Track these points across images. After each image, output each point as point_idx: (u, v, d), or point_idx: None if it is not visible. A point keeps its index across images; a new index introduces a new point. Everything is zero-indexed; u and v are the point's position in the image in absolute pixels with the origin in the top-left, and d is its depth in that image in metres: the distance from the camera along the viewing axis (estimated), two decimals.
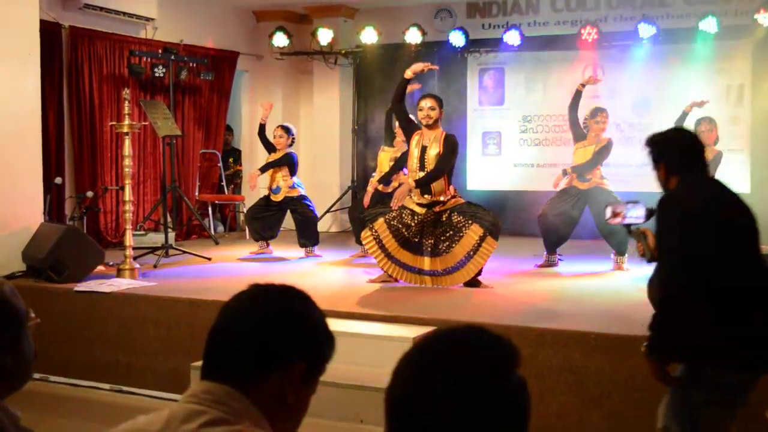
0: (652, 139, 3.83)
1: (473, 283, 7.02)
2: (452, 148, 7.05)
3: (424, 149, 7.06)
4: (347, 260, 9.00)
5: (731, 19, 10.06)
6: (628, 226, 4.00)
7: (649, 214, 3.86)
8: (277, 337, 1.78)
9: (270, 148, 9.33)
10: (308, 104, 12.54)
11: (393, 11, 11.70)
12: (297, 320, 1.82)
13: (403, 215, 7.05)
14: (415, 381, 1.48)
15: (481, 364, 1.47)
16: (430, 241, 7.02)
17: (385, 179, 8.62)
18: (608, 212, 4.12)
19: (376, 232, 7.06)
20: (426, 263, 7.04)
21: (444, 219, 7.00)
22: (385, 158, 8.83)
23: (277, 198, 9.16)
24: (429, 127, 7.09)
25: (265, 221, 9.20)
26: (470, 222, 6.89)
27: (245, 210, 10.25)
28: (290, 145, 9.28)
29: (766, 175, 9.95)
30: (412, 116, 7.52)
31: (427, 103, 7.09)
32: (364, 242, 7.29)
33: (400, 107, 7.39)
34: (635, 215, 3.95)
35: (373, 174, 9.09)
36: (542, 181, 9.91)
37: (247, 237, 10.14)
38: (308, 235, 9.16)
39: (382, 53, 11.44)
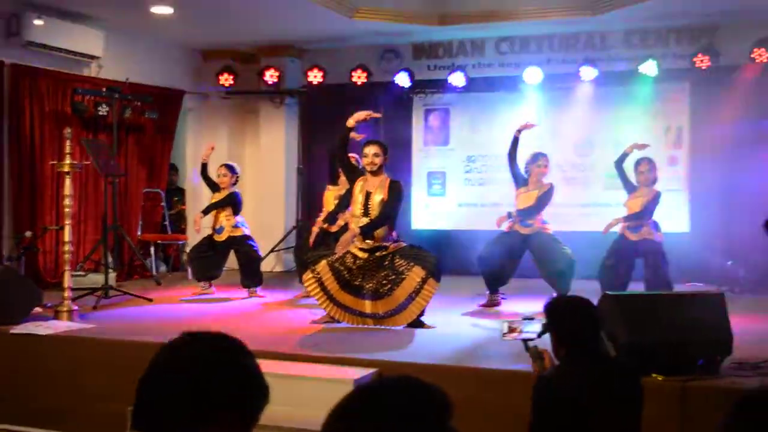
0: (548, 306, 3.81)
1: (416, 323, 7.00)
2: (398, 195, 7.05)
3: (368, 195, 7.04)
4: (291, 301, 8.93)
5: (670, 62, 10.30)
6: (525, 341, 4.07)
7: (544, 330, 3.89)
8: (210, 386, 1.76)
9: (213, 187, 9.26)
10: (254, 143, 12.46)
11: (340, 52, 11.73)
12: (230, 369, 1.80)
13: (346, 258, 7.02)
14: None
15: (416, 416, 1.46)
16: (370, 284, 6.97)
17: (331, 218, 8.60)
18: (505, 327, 4.22)
19: (318, 274, 7.01)
20: (367, 306, 7.00)
21: (386, 263, 6.98)
22: (330, 197, 8.82)
23: (221, 238, 9.08)
24: (373, 173, 7.08)
25: (208, 261, 9.10)
26: (412, 264, 6.88)
27: (188, 250, 10.13)
28: (234, 184, 9.22)
29: (705, 215, 10.14)
30: (356, 156, 7.52)
31: (371, 150, 7.08)
32: (305, 284, 7.20)
33: (343, 156, 7.34)
34: (530, 330, 4.05)
35: (319, 214, 9.06)
36: (486, 221, 9.91)
37: (190, 277, 10.01)
38: (251, 276, 9.08)
39: (329, 93, 11.46)
